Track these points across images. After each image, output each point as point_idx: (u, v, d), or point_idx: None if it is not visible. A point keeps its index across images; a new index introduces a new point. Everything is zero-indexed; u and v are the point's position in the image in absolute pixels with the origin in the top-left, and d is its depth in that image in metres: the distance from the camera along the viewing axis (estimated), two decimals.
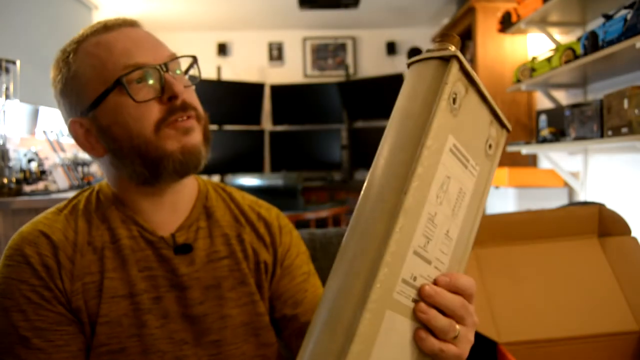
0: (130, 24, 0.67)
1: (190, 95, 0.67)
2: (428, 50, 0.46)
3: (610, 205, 1.20)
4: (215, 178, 4.12)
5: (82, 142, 0.67)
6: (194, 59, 0.70)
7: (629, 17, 1.66)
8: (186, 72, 0.70)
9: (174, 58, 0.66)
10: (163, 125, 0.63)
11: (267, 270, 0.76)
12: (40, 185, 2.31)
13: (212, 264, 0.71)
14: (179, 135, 0.64)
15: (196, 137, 0.65)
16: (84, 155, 2.88)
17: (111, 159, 0.67)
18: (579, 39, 2.07)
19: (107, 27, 0.65)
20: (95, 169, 3.06)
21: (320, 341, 0.40)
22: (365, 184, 0.45)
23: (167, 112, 0.63)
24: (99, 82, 0.62)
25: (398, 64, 4.49)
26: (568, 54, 2.14)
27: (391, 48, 4.56)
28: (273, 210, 0.82)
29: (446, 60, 0.45)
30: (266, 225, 0.79)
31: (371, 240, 0.41)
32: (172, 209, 0.71)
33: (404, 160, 0.42)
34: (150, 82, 0.63)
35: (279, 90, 4.40)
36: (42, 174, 2.30)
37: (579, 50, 2.01)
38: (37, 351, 0.60)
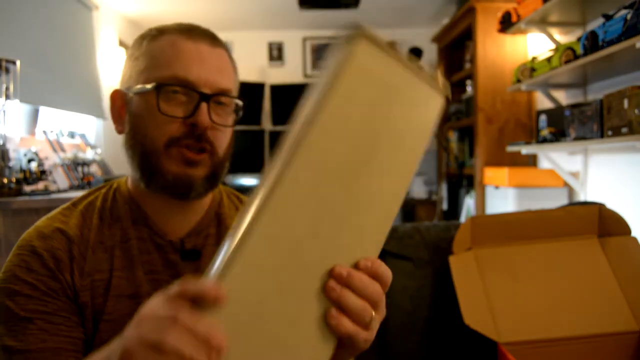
0: (212, 41, 0.68)
1: (218, 134, 0.67)
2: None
3: (610, 205, 1.20)
4: None
5: (114, 111, 0.71)
6: (242, 104, 0.71)
7: (629, 17, 1.66)
8: (236, 110, 0.71)
9: (221, 94, 0.67)
10: (174, 145, 0.64)
11: None
12: (40, 185, 2.31)
13: None
14: (181, 163, 0.65)
15: (197, 172, 0.66)
16: (84, 155, 2.88)
17: (124, 140, 0.69)
18: (579, 39, 2.07)
19: (190, 33, 0.67)
20: (95, 169, 3.05)
21: None
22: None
23: (182, 135, 0.64)
24: (149, 75, 0.65)
25: None
26: (568, 54, 2.14)
27: None
28: None
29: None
30: None
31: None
32: (184, 214, 0.71)
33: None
34: (186, 101, 0.65)
35: (279, 90, 4.40)
36: (42, 174, 2.30)
37: (579, 50, 2.00)
38: (38, 332, 0.61)
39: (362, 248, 0.46)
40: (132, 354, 0.38)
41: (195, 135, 0.64)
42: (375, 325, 0.48)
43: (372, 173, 0.44)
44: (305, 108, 0.41)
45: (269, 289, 0.40)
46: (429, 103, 0.48)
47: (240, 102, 0.71)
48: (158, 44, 0.67)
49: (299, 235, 0.41)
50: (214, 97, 0.66)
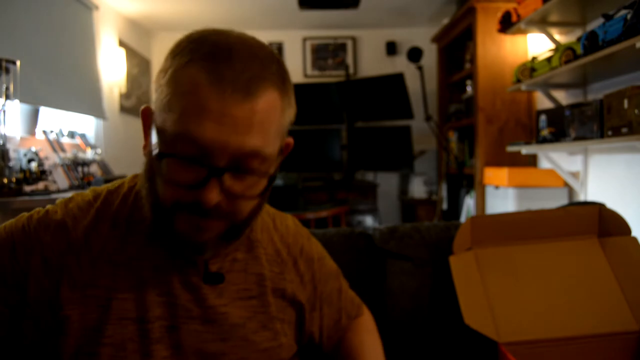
0: (245, 89, 0.54)
1: (236, 204, 0.58)
2: None
3: (610, 205, 1.20)
4: None
5: (144, 127, 0.62)
6: (273, 172, 0.61)
7: (629, 17, 1.66)
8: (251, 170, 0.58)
9: (239, 164, 0.56)
10: (181, 210, 0.57)
11: (302, 309, 0.75)
12: (40, 185, 2.31)
13: (242, 302, 0.67)
14: (189, 227, 0.58)
15: (208, 235, 0.59)
16: (84, 155, 2.88)
17: (143, 169, 0.62)
18: (579, 39, 2.07)
19: (219, 78, 0.53)
20: (95, 169, 3.05)
21: None
22: None
23: (188, 204, 0.56)
24: (166, 117, 0.55)
25: (398, 64, 4.49)
26: (568, 54, 2.14)
27: (391, 48, 4.56)
28: (312, 240, 0.83)
29: None
30: (307, 261, 0.78)
31: None
32: None
33: None
34: (197, 171, 0.55)
35: None
36: (42, 174, 2.30)
37: (579, 50, 2.00)
38: None
39: None
40: None
41: (202, 210, 0.55)
42: None
43: None
44: None
45: None
46: None
47: (271, 171, 0.59)
48: (182, 78, 0.55)
49: None
50: (231, 168, 0.55)
